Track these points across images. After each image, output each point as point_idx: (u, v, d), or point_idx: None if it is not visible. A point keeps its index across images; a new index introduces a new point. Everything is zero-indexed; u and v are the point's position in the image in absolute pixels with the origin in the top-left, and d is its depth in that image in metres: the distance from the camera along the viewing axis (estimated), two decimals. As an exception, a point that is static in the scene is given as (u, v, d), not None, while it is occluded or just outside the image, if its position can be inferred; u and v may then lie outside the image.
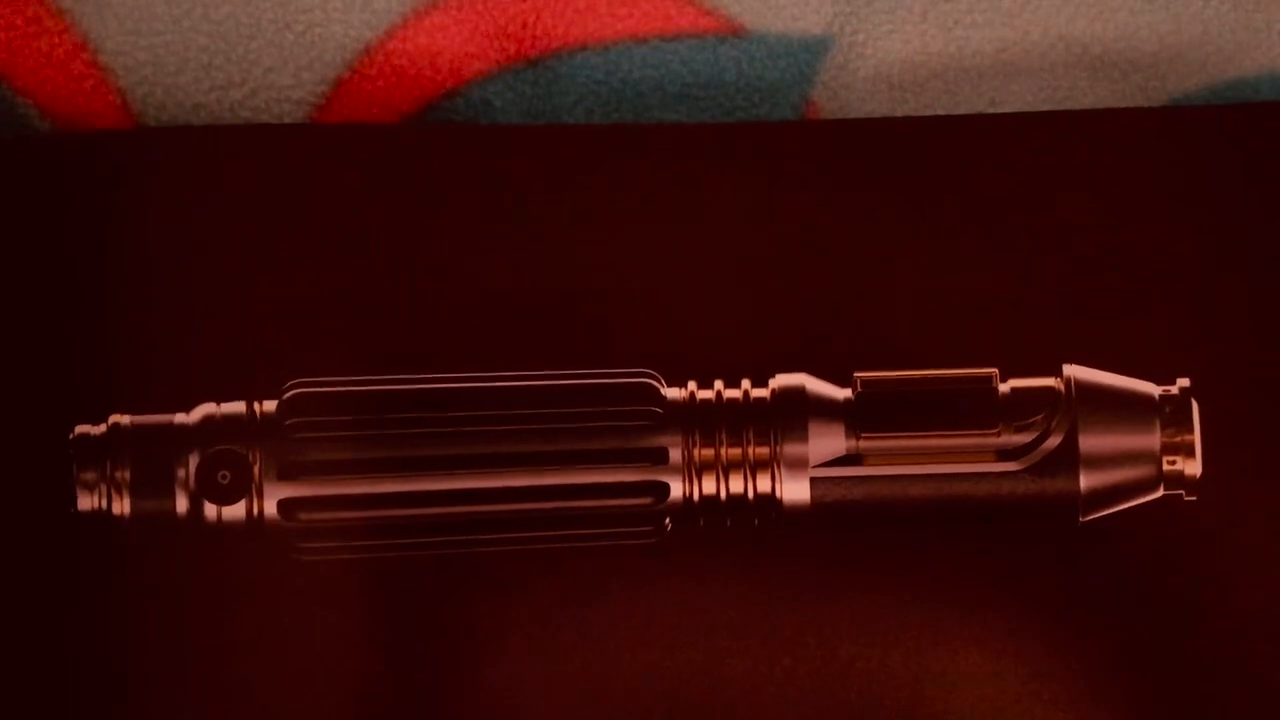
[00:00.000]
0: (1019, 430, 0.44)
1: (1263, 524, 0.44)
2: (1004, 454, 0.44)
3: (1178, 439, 0.43)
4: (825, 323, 0.45)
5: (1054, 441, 0.44)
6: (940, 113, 0.48)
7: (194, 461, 0.43)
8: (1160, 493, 0.43)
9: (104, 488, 0.44)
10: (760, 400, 0.44)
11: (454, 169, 0.46)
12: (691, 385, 0.44)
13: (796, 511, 0.44)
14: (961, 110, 0.48)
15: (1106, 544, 0.44)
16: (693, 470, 0.44)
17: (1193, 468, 0.44)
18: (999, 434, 0.44)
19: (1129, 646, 0.44)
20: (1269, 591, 0.44)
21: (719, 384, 0.44)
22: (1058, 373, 0.44)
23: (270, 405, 0.44)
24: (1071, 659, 0.44)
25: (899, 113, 0.48)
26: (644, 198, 0.46)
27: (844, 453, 0.44)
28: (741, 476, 0.44)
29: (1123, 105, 0.48)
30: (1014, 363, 0.45)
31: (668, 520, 0.44)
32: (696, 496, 0.44)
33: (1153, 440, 0.43)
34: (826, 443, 0.44)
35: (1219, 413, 0.44)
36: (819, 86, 0.48)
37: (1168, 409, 0.44)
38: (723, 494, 0.44)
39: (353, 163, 0.46)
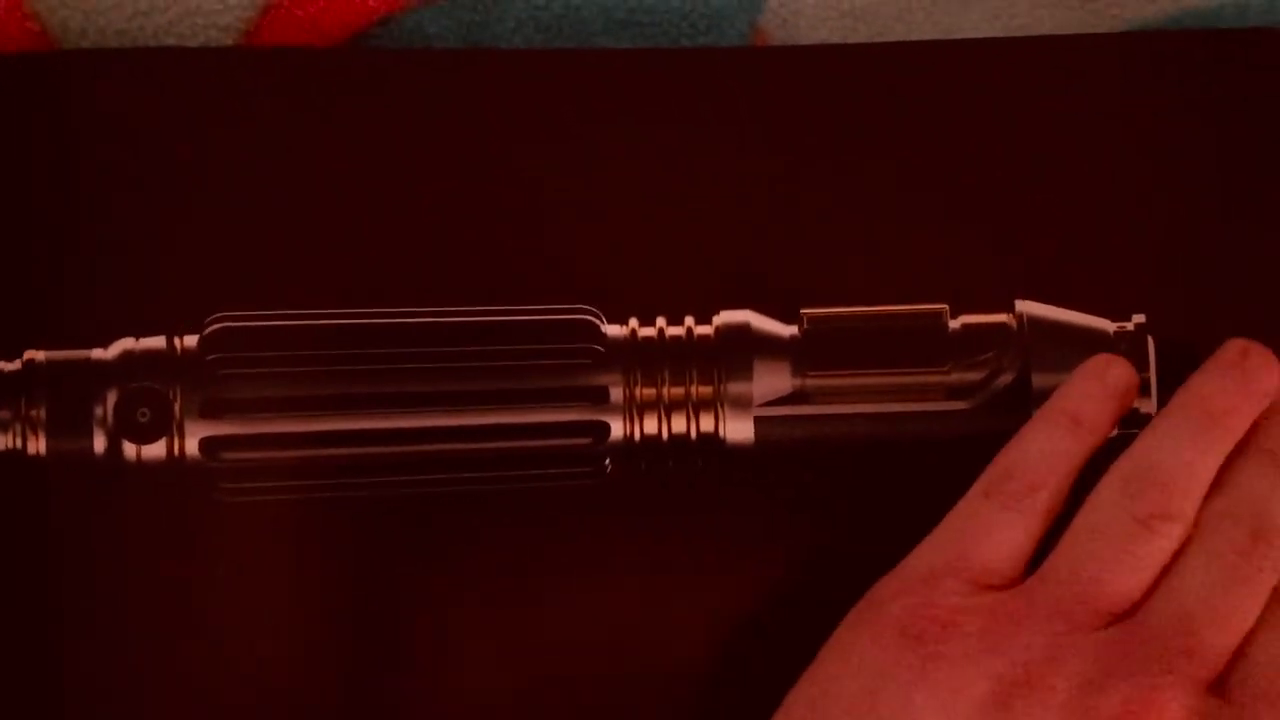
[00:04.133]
0: (970, 368, 0.42)
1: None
2: (954, 392, 0.42)
3: None
4: (772, 256, 0.44)
5: (1006, 379, 0.42)
6: (893, 40, 0.46)
7: (112, 399, 0.42)
8: (1115, 432, 0.42)
9: (19, 426, 0.42)
10: (704, 338, 0.43)
11: (389, 95, 0.44)
12: (633, 322, 0.43)
13: (740, 451, 0.42)
14: (915, 38, 0.46)
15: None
16: (634, 410, 0.42)
17: (1148, 406, 0.42)
18: (949, 372, 0.42)
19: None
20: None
21: (661, 321, 0.43)
22: (1010, 308, 0.43)
23: (191, 340, 0.42)
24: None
25: (850, 40, 0.46)
26: (584, 126, 0.44)
27: (789, 391, 0.42)
28: (684, 416, 0.42)
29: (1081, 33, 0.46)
30: (966, 297, 0.43)
31: (608, 461, 0.42)
32: (638, 436, 0.42)
33: (1109, 379, 0.42)
34: (771, 381, 0.42)
35: (1175, 349, 0.43)
36: (767, 14, 0.47)
37: (1123, 346, 0.42)
38: (665, 434, 0.42)
39: (283, 88, 0.44)
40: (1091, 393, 0.41)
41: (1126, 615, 0.39)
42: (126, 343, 0.42)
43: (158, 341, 0.42)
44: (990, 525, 0.40)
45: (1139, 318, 0.43)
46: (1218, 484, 0.40)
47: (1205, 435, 0.40)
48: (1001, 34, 0.46)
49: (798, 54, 0.45)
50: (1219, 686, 0.39)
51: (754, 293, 0.43)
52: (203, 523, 0.42)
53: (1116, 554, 0.39)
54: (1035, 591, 0.39)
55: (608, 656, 0.42)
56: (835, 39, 0.46)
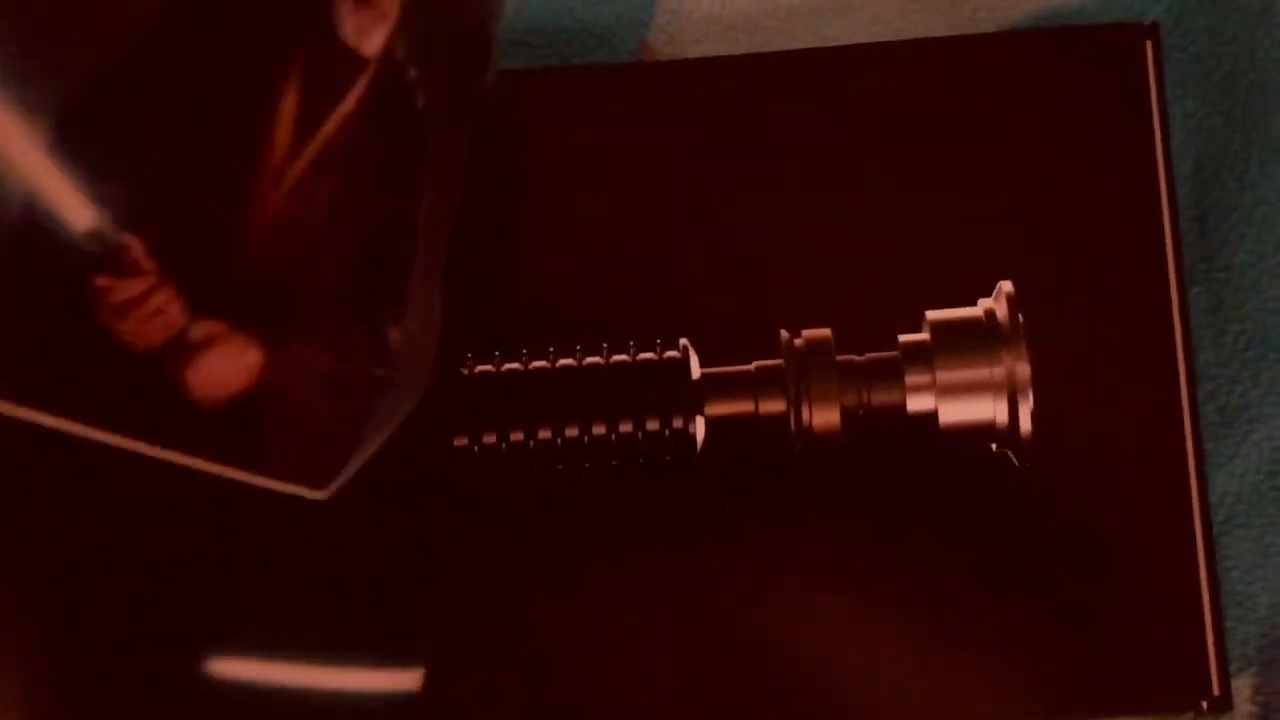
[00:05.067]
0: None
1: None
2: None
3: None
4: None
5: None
6: (774, 50, 0.48)
7: None
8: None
9: None
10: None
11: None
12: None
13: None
14: (795, 46, 0.48)
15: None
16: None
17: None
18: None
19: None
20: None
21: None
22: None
23: None
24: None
25: (734, 52, 0.48)
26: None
27: None
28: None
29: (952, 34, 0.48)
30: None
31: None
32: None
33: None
34: None
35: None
36: (655, 31, 0.49)
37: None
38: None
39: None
40: None
41: None
42: None
43: None
44: None
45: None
46: None
47: None
48: (877, 39, 0.48)
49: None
50: None
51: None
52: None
53: None
54: None
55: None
56: (720, 51, 0.48)
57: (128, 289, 0.36)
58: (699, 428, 0.43)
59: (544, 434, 0.43)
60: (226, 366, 0.36)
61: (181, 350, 0.36)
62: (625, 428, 0.43)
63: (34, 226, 0.35)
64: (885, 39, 0.48)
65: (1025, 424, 0.43)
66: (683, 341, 0.44)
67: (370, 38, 0.37)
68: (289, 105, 0.36)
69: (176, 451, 0.36)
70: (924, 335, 0.43)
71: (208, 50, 0.37)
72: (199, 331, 0.36)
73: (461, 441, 0.43)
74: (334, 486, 0.37)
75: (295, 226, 0.37)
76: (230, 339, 0.36)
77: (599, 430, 0.43)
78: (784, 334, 0.44)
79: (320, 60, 0.37)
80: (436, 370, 0.40)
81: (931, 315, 0.44)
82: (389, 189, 0.38)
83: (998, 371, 0.43)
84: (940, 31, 0.48)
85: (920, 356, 0.43)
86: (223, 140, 0.37)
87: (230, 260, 0.37)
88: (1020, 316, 0.43)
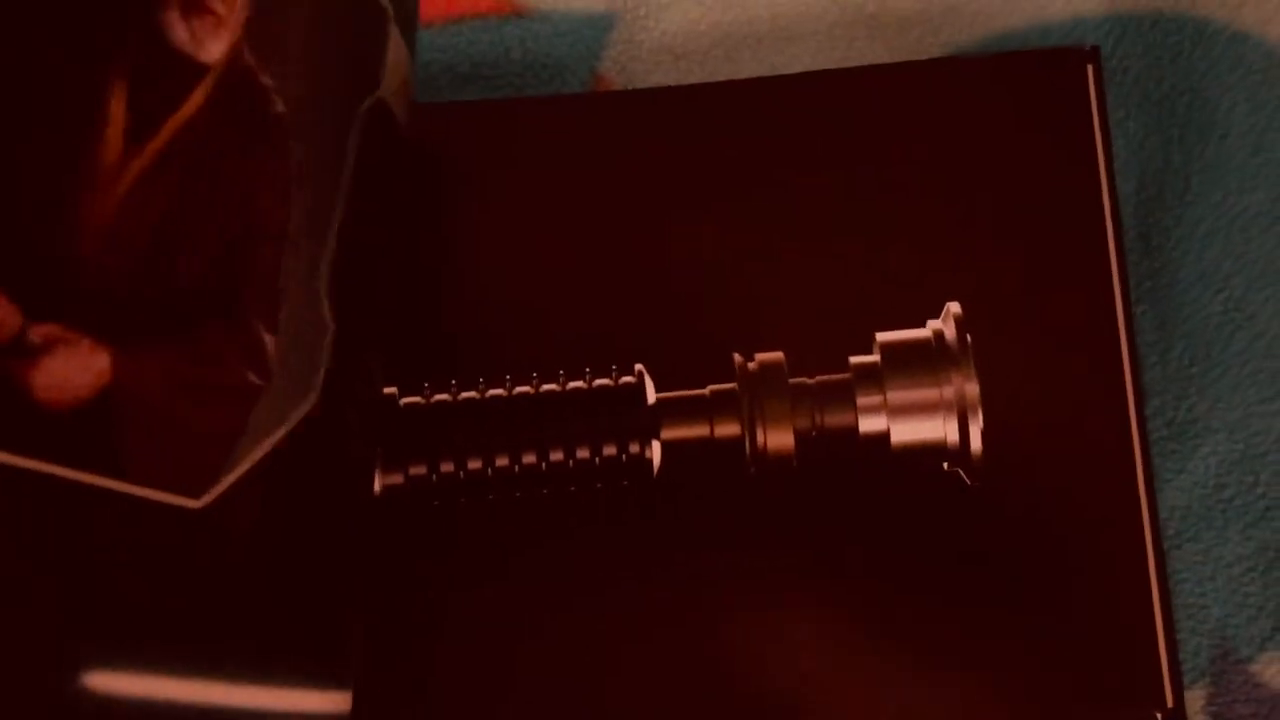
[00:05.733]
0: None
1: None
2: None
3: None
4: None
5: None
6: (723, 79, 0.49)
7: None
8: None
9: None
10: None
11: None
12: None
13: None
14: (744, 75, 0.49)
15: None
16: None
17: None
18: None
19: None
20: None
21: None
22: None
23: None
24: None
25: (686, 81, 0.49)
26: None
27: None
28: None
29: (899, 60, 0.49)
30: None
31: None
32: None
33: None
34: None
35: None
36: (607, 61, 0.49)
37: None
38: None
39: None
40: None
41: None
42: None
43: None
44: None
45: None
46: None
47: None
48: (824, 66, 0.49)
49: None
50: None
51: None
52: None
53: None
54: None
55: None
56: (672, 81, 0.49)
57: None
58: (655, 452, 0.44)
59: (501, 461, 0.44)
60: (70, 370, 0.36)
61: (22, 354, 0.36)
62: (583, 453, 0.44)
63: None
64: (832, 66, 0.49)
65: (975, 443, 0.44)
66: (638, 367, 0.45)
67: (206, 45, 0.37)
68: (117, 110, 0.36)
69: (30, 458, 0.36)
70: (874, 357, 0.44)
71: (23, 57, 0.36)
72: (37, 335, 0.36)
73: (418, 469, 0.44)
74: (211, 495, 0.37)
75: (136, 229, 0.37)
76: (73, 342, 0.36)
77: (556, 456, 0.44)
78: (737, 358, 0.44)
79: (151, 67, 0.37)
80: (372, 395, 0.41)
81: (881, 337, 0.44)
82: (249, 192, 0.38)
83: (947, 391, 0.44)
84: (885, 58, 0.49)
85: (871, 378, 0.44)
86: (45, 147, 0.37)
87: (65, 263, 0.36)
88: (968, 337, 0.44)
